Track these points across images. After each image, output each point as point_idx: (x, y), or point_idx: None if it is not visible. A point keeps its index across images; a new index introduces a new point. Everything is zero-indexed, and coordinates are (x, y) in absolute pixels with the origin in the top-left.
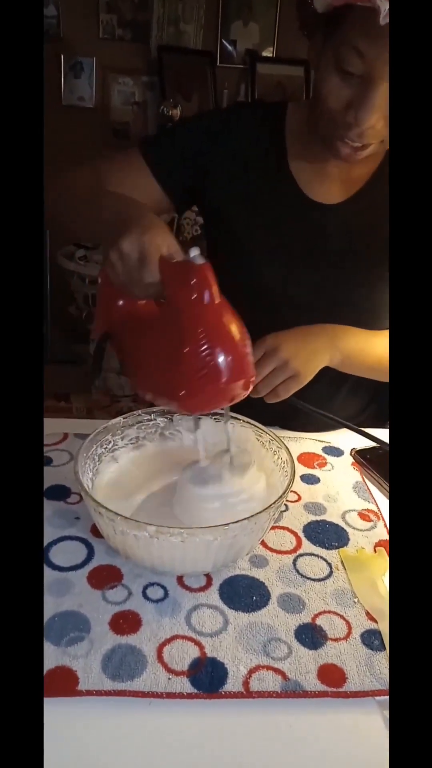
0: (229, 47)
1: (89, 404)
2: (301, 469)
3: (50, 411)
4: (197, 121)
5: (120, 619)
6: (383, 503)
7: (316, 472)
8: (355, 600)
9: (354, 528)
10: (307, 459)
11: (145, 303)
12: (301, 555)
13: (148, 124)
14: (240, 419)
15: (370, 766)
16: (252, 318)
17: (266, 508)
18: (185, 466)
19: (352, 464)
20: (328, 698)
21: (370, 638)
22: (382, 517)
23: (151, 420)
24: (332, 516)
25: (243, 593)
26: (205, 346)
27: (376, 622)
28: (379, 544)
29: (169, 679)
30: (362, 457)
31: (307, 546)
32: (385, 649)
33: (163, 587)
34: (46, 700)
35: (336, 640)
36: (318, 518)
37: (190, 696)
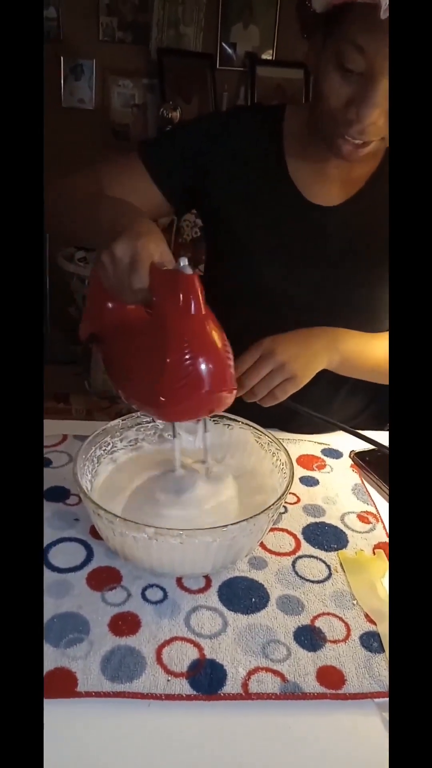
0: (229, 50)
1: (89, 406)
2: (300, 471)
3: (50, 412)
4: (196, 123)
5: (119, 620)
6: (382, 505)
7: (315, 474)
8: (354, 602)
9: (353, 530)
10: (306, 461)
11: (134, 308)
12: (300, 557)
13: (148, 126)
14: (239, 421)
15: None
16: (252, 318)
17: (265, 510)
18: (158, 473)
19: (351, 466)
20: (327, 700)
21: (369, 640)
22: (381, 519)
23: (150, 422)
24: (331, 518)
25: (242, 595)
26: (188, 356)
27: (375, 624)
28: (378, 546)
29: (168, 680)
30: (361, 460)
31: (306, 548)
32: (384, 651)
33: (163, 589)
34: (45, 701)
35: (335, 642)
36: (317, 520)
37: (189, 697)
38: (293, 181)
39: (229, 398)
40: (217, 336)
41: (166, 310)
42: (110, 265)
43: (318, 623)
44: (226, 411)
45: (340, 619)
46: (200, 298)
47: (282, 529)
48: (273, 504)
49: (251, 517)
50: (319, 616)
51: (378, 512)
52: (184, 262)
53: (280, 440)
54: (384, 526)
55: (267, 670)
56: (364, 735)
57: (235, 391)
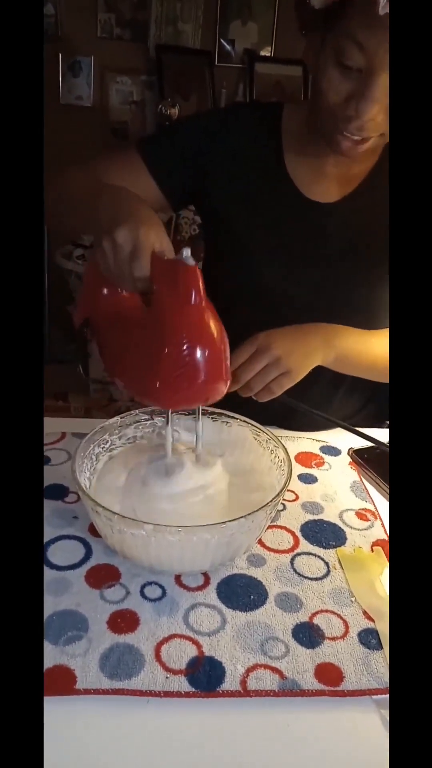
0: (228, 47)
1: (87, 404)
2: (298, 469)
3: (48, 410)
4: (195, 120)
5: (118, 618)
6: (380, 503)
7: (313, 471)
8: (353, 599)
9: (351, 527)
10: (304, 458)
11: (129, 295)
12: (298, 554)
13: (147, 123)
14: (237, 418)
15: (367, 764)
16: (251, 318)
17: (263, 507)
18: (149, 457)
19: (350, 464)
20: (325, 697)
21: (367, 637)
22: (380, 516)
23: (148, 420)
24: (330, 515)
25: (241, 592)
26: (186, 345)
27: (373, 621)
28: (376, 543)
29: (166, 678)
30: (360, 457)
31: (305, 545)
32: (382, 648)
33: (161, 586)
34: (44, 698)
35: (333, 639)
36: (315, 517)
37: (187, 695)
38: (292, 180)
39: (224, 388)
40: (215, 327)
41: (166, 300)
42: (111, 252)
43: (316, 620)
44: (225, 408)
45: (339, 616)
46: (201, 289)
47: (280, 527)
48: (271, 501)
49: (249, 514)
50: (317, 613)
51: (376, 509)
52: (186, 253)
53: (279, 437)
54: (382, 524)
55: (265, 667)
56: (362, 731)
57: (230, 381)
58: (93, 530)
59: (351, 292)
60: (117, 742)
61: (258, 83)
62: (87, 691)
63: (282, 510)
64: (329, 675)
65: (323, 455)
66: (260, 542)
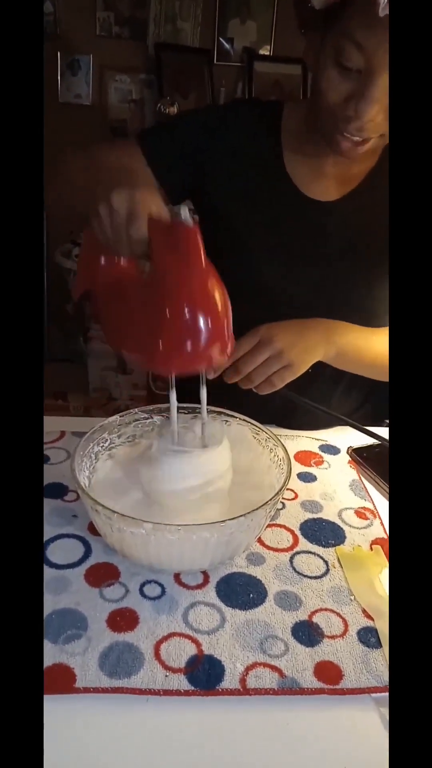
0: (227, 45)
1: (87, 402)
2: (297, 467)
3: (48, 409)
4: (195, 115)
5: (117, 616)
6: (380, 501)
7: (312, 470)
8: (352, 597)
9: (350, 526)
10: (303, 457)
11: (127, 263)
12: (297, 553)
13: (146, 121)
14: (236, 417)
15: (367, 763)
16: (250, 316)
17: (262, 505)
18: (157, 435)
19: (349, 462)
20: (324, 695)
21: (366, 636)
22: (379, 515)
23: (148, 418)
24: (329, 514)
25: (240, 591)
26: (187, 308)
27: (372, 619)
28: (375, 541)
29: (166, 676)
30: (359, 456)
31: (304, 544)
32: (381, 646)
33: (161, 585)
34: (44, 697)
35: (332, 637)
36: (315, 516)
37: (187, 693)
38: (291, 178)
39: (227, 351)
40: (217, 289)
41: (165, 263)
42: (107, 216)
43: (316, 619)
44: (224, 407)
45: (338, 614)
46: (201, 250)
47: (280, 525)
48: (270, 500)
49: (249, 513)
50: (316, 611)
51: (375, 508)
52: (185, 212)
53: (278, 436)
54: (381, 522)
55: (265, 665)
56: (362, 730)
57: (233, 344)
58: (92, 529)
59: (350, 291)
60: (116, 741)
61: (257, 82)
62: (86, 690)
63: (281, 509)
64: (328, 673)
65: (322, 454)
66: (260, 541)
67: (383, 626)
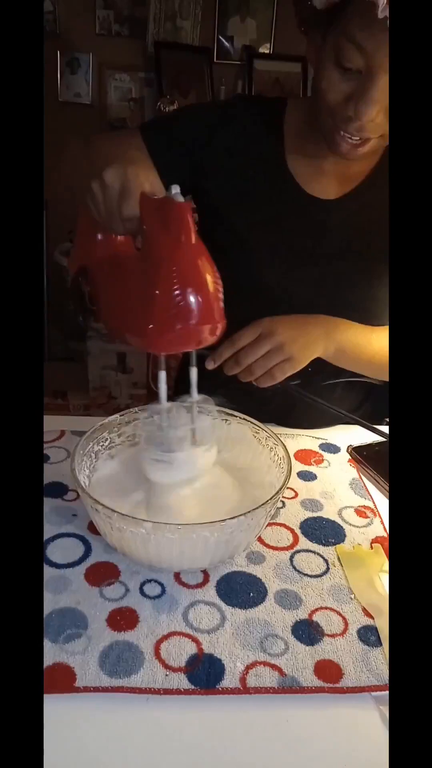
0: (227, 43)
1: (86, 402)
2: (297, 466)
3: (48, 408)
4: (196, 110)
5: (117, 615)
6: (380, 500)
7: (312, 469)
8: (352, 596)
9: (350, 524)
10: (303, 456)
11: (122, 240)
12: (297, 551)
13: (145, 120)
14: (236, 416)
15: (367, 761)
16: (250, 314)
17: (262, 504)
18: (146, 435)
19: (349, 461)
20: (324, 694)
21: (366, 634)
22: (379, 513)
23: (147, 418)
24: (329, 513)
25: (240, 590)
26: (177, 285)
27: (372, 618)
28: (375, 540)
29: (166, 675)
30: (359, 454)
31: (304, 542)
32: (381, 645)
33: (161, 584)
34: (44, 696)
35: (333, 636)
36: (315, 515)
37: (187, 692)
38: (292, 175)
39: (218, 330)
40: (207, 267)
41: (156, 240)
42: (100, 193)
43: (316, 617)
44: (224, 406)
45: (338, 613)
46: (191, 227)
47: (280, 524)
48: (270, 499)
49: (249, 512)
50: (316, 610)
51: (375, 507)
52: (176, 189)
53: (278, 435)
54: (381, 521)
55: (265, 664)
56: (362, 728)
57: (223, 324)
58: (92, 528)
59: (350, 289)
60: (117, 740)
61: (257, 80)
62: (86, 689)
63: (281, 507)
64: (329, 672)
65: (322, 453)
66: (260, 540)
67: (383, 625)
